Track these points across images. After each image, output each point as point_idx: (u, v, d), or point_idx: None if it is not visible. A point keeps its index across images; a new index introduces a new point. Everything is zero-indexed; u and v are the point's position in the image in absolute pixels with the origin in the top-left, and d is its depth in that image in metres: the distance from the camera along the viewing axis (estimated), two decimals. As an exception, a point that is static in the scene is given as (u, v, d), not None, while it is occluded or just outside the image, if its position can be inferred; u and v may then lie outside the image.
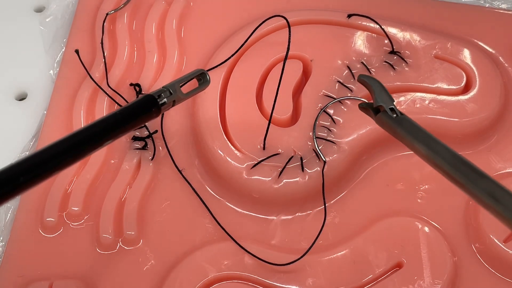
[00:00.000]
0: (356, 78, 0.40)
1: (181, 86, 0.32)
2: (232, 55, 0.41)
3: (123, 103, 0.41)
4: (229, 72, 0.41)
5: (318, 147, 0.38)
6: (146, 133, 0.40)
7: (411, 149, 0.29)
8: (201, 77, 0.33)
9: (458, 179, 0.26)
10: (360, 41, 0.42)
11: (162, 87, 0.31)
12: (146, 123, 0.40)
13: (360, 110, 0.33)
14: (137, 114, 0.29)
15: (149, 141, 0.40)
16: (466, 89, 0.41)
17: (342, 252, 0.36)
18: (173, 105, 0.31)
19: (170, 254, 0.37)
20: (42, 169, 0.25)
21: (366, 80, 0.32)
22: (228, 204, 0.38)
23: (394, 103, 0.30)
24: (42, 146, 0.40)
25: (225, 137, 0.39)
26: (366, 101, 0.39)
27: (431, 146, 0.28)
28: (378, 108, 0.31)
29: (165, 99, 0.30)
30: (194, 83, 0.34)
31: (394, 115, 0.30)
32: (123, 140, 0.40)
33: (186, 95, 0.32)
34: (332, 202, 0.39)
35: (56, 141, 0.26)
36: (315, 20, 0.43)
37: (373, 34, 0.42)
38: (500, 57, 0.44)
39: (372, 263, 0.36)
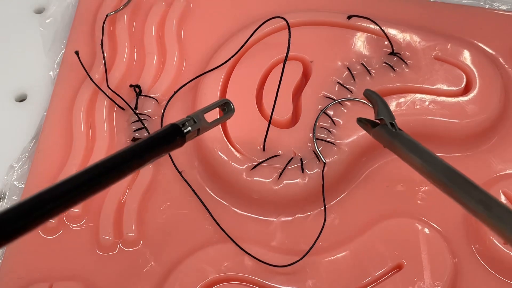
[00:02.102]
0: (356, 79, 0.40)
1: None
2: (232, 57, 0.41)
3: (123, 105, 0.41)
4: (229, 74, 0.41)
5: (318, 149, 0.38)
6: (146, 134, 0.40)
7: (407, 162, 0.30)
8: (226, 107, 0.34)
9: (453, 192, 0.27)
10: (360, 42, 0.42)
11: (187, 117, 0.31)
12: (146, 125, 0.40)
13: (357, 121, 0.34)
14: (162, 143, 0.30)
15: (149, 142, 0.40)
16: (466, 90, 0.41)
17: (342, 254, 0.36)
18: (197, 134, 0.31)
19: (170, 255, 0.37)
20: (68, 198, 0.25)
21: (371, 94, 0.33)
22: (228, 205, 0.38)
23: (395, 120, 0.32)
24: (41, 147, 0.40)
25: (225, 139, 0.39)
26: (366, 102, 0.39)
27: (427, 159, 0.29)
28: (379, 121, 0.32)
29: (189, 128, 0.30)
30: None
31: (394, 130, 0.31)
32: (123, 142, 0.40)
33: (210, 124, 0.32)
34: (332, 203, 0.39)
35: (80, 171, 0.26)
36: (315, 22, 0.43)
37: (373, 36, 0.42)
38: (500, 58, 0.44)
39: (372, 265, 0.36)
